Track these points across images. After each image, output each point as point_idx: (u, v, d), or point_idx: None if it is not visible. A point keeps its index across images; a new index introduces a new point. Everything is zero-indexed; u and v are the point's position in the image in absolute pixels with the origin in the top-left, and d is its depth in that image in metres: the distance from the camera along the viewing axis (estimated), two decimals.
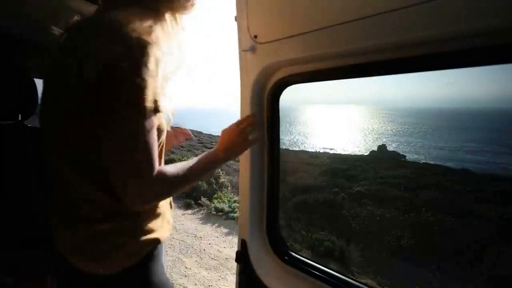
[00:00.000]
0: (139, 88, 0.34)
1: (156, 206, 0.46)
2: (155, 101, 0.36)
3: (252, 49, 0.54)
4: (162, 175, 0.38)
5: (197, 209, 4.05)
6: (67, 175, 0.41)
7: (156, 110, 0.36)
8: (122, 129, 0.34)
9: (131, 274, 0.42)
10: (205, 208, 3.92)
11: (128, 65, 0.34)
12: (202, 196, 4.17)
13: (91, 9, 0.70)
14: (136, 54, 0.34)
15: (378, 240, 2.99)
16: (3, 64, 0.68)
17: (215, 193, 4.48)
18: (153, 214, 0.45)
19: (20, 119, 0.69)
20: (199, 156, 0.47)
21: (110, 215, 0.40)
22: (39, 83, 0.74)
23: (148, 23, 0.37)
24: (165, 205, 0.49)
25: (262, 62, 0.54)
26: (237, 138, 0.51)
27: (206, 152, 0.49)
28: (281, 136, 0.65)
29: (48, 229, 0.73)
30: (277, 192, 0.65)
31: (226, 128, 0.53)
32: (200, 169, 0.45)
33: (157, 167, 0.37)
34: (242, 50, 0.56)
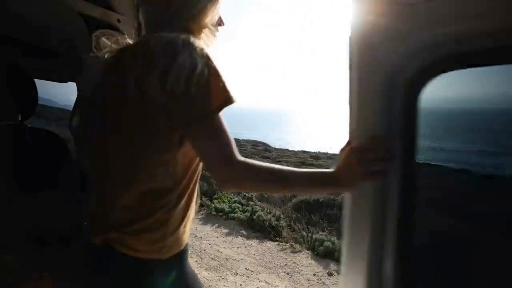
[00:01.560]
0: (223, 89, 0.40)
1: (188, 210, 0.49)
2: (231, 96, 0.41)
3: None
4: (246, 163, 0.41)
5: (198, 209, 4.06)
6: (110, 184, 0.45)
7: (231, 102, 0.41)
8: (212, 129, 0.40)
9: (174, 261, 0.47)
10: (206, 208, 3.92)
11: (208, 71, 0.39)
12: (202, 196, 4.18)
13: (91, 9, 0.70)
14: (209, 61, 0.40)
15: None
16: (3, 64, 0.68)
17: (215, 193, 4.48)
18: (187, 218, 0.49)
19: (20, 119, 0.69)
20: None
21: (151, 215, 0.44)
22: (38, 83, 0.74)
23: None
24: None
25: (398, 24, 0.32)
26: (356, 167, 0.40)
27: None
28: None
29: (49, 229, 0.73)
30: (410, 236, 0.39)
31: (345, 148, 0.42)
32: (304, 179, 0.42)
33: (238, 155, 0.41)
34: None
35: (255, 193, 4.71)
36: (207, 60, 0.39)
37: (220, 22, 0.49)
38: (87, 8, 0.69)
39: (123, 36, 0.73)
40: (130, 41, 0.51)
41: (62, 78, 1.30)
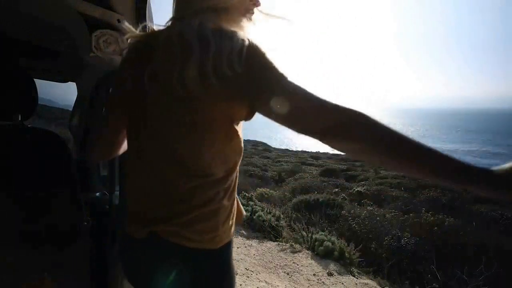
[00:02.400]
0: (273, 62, 0.39)
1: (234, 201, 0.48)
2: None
3: None
4: (345, 107, 0.37)
5: None
6: (170, 174, 0.43)
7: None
8: (294, 84, 0.38)
9: (225, 250, 0.46)
10: None
11: (259, 51, 0.39)
12: None
13: (91, 9, 0.70)
14: (254, 43, 0.39)
15: None
16: (2, 64, 0.68)
17: None
18: (234, 209, 0.49)
19: (20, 119, 0.69)
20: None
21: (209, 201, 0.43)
22: (38, 83, 0.74)
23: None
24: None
25: None
26: None
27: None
28: None
29: (49, 229, 0.73)
30: None
31: None
32: (449, 162, 0.31)
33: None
34: None
35: (255, 193, 4.70)
36: (253, 41, 0.40)
37: (255, 2, 0.45)
38: (87, 8, 0.69)
39: (122, 36, 0.73)
40: (160, 27, 0.47)
41: (62, 79, 1.30)
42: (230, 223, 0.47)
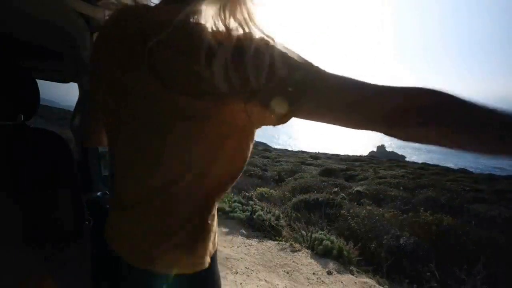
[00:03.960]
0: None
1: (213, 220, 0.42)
2: None
3: None
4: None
5: None
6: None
7: None
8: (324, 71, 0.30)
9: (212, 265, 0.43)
10: None
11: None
12: None
13: (92, 10, 0.71)
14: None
15: None
16: (4, 64, 0.68)
17: None
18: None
19: (22, 119, 0.70)
20: None
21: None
22: (40, 84, 0.74)
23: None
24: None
25: None
26: None
27: None
28: None
29: (49, 229, 0.73)
30: None
31: None
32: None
33: None
34: None
35: (255, 193, 4.70)
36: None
37: None
38: (88, 8, 0.70)
39: None
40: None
41: (63, 79, 1.30)
42: (215, 229, 0.42)
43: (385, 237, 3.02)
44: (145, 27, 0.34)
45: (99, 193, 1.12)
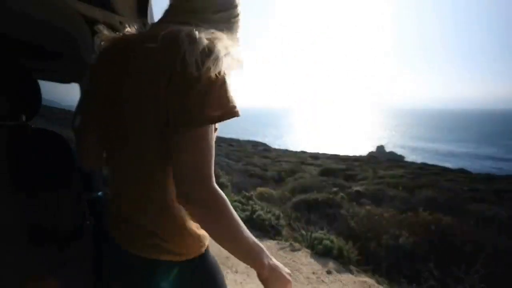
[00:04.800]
0: (226, 98, 0.37)
1: None
2: (235, 109, 0.37)
3: None
4: (219, 193, 0.39)
5: None
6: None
7: (233, 115, 0.37)
8: (199, 140, 0.36)
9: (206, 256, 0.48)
10: None
11: (216, 75, 0.35)
12: None
13: (93, 11, 0.71)
14: (219, 63, 0.35)
15: None
16: (5, 64, 0.68)
17: None
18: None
19: (24, 120, 0.70)
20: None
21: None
22: (42, 84, 0.74)
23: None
24: None
25: None
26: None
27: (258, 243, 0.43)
28: None
29: (49, 229, 0.73)
30: None
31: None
32: (242, 237, 0.41)
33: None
34: None
35: (255, 193, 4.72)
36: (218, 61, 0.34)
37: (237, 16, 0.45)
38: (89, 10, 0.70)
39: None
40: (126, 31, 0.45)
41: (65, 79, 1.30)
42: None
43: (384, 236, 3.03)
44: (133, 47, 0.41)
45: (99, 193, 1.13)
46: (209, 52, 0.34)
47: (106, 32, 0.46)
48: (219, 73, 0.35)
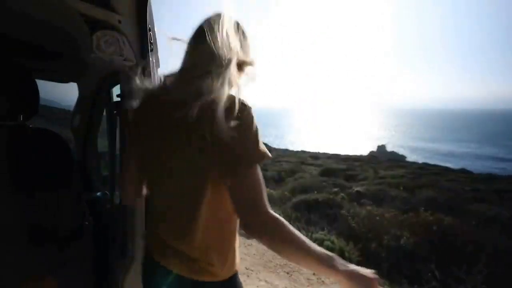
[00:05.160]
0: (262, 145, 0.45)
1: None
2: (268, 153, 0.45)
3: None
4: (275, 217, 0.43)
5: None
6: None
7: (268, 158, 0.45)
8: (255, 176, 0.44)
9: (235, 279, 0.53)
10: None
11: (256, 126, 0.44)
12: None
13: (92, 10, 0.71)
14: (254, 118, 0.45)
15: None
16: (4, 64, 0.68)
17: None
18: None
19: (21, 119, 0.70)
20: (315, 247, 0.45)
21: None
22: (39, 83, 0.74)
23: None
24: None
25: None
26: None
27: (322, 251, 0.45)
28: None
29: (49, 229, 0.73)
30: None
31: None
32: (309, 250, 0.44)
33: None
34: None
35: None
36: (250, 113, 0.43)
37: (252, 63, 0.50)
38: (88, 8, 0.70)
39: (123, 37, 0.73)
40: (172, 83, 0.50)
41: (63, 79, 1.30)
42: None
43: (385, 237, 3.02)
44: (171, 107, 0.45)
45: (99, 193, 1.12)
46: (243, 108, 0.42)
47: (138, 82, 0.52)
48: (252, 120, 0.43)
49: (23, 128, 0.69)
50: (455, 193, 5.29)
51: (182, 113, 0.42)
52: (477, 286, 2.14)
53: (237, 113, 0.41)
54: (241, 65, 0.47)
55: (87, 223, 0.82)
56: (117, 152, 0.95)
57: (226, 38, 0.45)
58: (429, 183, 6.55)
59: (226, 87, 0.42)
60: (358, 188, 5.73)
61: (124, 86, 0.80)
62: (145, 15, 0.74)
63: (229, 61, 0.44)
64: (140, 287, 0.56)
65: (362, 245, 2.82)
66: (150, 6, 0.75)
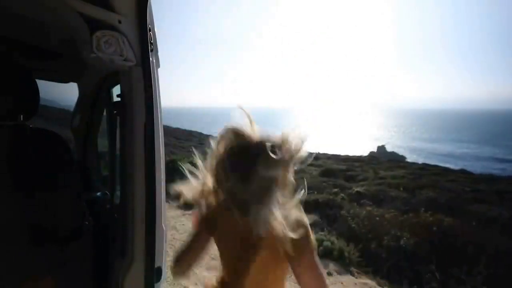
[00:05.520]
0: None
1: None
2: None
3: None
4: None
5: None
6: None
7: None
8: (316, 261, 0.60)
9: None
10: None
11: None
12: None
13: (92, 10, 0.71)
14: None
15: None
16: (3, 64, 0.68)
17: None
18: None
19: (21, 120, 0.70)
20: None
21: None
22: (39, 83, 0.74)
23: None
24: None
25: None
26: None
27: None
28: None
29: (49, 229, 0.73)
30: None
31: None
32: None
33: None
34: None
35: None
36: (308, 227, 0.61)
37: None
38: (88, 8, 0.70)
39: (123, 37, 0.73)
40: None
41: (63, 79, 1.30)
42: None
43: (385, 237, 3.01)
44: None
45: (98, 193, 1.12)
46: (305, 225, 0.61)
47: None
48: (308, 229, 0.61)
49: (23, 128, 0.69)
50: (455, 194, 5.28)
51: (255, 235, 0.56)
52: (477, 287, 2.13)
53: (295, 228, 0.56)
54: (285, 182, 0.61)
55: (87, 223, 0.82)
56: (117, 152, 0.95)
57: (266, 172, 0.55)
58: (430, 183, 6.54)
59: (278, 215, 0.55)
60: (358, 189, 5.72)
61: (124, 86, 0.80)
62: (145, 15, 0.74)
63: (272, 192, 0.56)
64: (140, 287, 0.56)
65: (362, 246, 2.81)
66: (150, 6, 0.75)
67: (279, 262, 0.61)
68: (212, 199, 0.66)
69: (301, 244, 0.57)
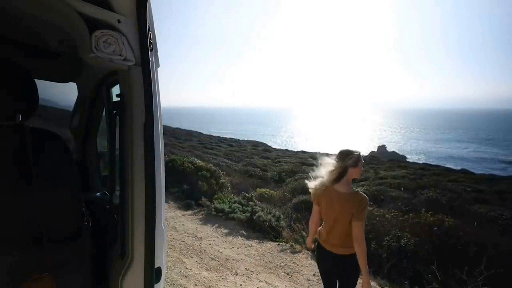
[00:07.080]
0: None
1: None
2: None
3: None
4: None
5: (198, 209, 4.05)
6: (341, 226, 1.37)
7: None
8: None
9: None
10: (206, 208, 3.92)
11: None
12: (202, 197, 4.17)
13: (91, 9, 0.70)
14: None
15: None
16: (3, 64, 0.68)
17: (215, 194, 4.48)
18: None
19: (20, 119, 0.69)
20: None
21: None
22: (39, 83, 0.74)
23: None
24: None
25: None
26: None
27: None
28: None
29: (49, 229, 0.72)
30: None
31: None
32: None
33: None
34: None
35: (255, 193, 4.72)
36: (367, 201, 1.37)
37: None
38: (87, 8, 0.70)
39: (123, 36, 0.73)
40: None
41: (62, 79, 1.31)
42: None
43: (386, 238, 3.01)
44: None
45: (98, 193, 1.12)
46: (362, 199, 1.34)
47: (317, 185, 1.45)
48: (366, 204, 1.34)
49: (22, 128, 0.69)
50: (456, 194, 5.27)
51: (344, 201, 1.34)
52: (478, 287, 2.12)
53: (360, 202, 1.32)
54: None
55: (86, 223, 0.82)
56: (117, 152, 0.95)
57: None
58: (430, 183, 6.53)
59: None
60: (359, 189, 5.71)
61: (123, 86, 0.79)
62: (144, 15, 0.74)
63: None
64: (139, 287, 0.56)
65: None
66: (150, 6, 0.75)
67: (350, 219, 1.28)
68: (320, 189, 1.41)
69: (359, 207, 1.28)
